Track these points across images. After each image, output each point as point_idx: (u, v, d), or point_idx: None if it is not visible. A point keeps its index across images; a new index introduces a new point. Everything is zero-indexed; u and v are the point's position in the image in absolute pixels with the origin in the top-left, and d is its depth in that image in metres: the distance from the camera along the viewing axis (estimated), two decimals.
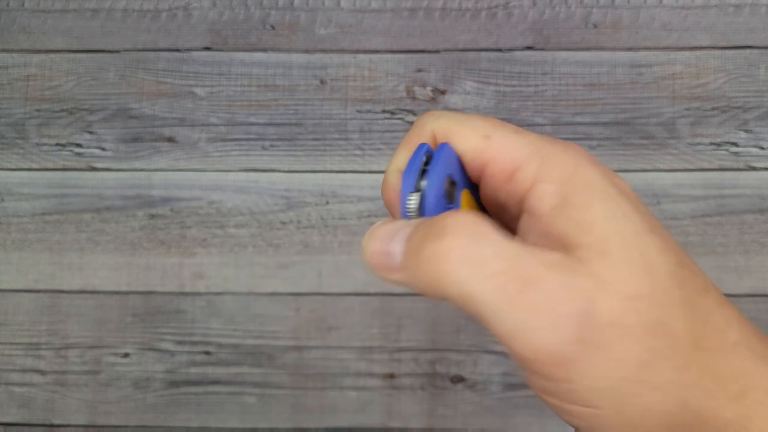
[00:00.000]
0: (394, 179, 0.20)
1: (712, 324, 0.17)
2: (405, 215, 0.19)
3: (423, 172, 0.19)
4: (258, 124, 0.60)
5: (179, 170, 0.60)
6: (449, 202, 0.19)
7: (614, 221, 0.17)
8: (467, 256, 0.16)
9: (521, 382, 0.58)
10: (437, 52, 0.60)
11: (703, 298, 0.18)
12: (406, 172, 0.19)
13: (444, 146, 0.19)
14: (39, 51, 0.62)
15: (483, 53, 0.60)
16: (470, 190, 0.21)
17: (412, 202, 0.19)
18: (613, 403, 0.17)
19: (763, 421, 0.16)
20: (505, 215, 0.21)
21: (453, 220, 0.17)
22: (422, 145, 0.19)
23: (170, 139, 0.61)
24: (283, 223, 0.60)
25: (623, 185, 0.20)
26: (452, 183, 0.19)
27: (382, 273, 0.19)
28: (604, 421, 0.17)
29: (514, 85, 0.60)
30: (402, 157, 0.20)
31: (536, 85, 0.60)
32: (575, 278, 0.16)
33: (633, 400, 0.16)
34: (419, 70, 0.60)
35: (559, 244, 0.18)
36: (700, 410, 0.17)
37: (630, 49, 0.60)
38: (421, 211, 0.19)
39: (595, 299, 0.16)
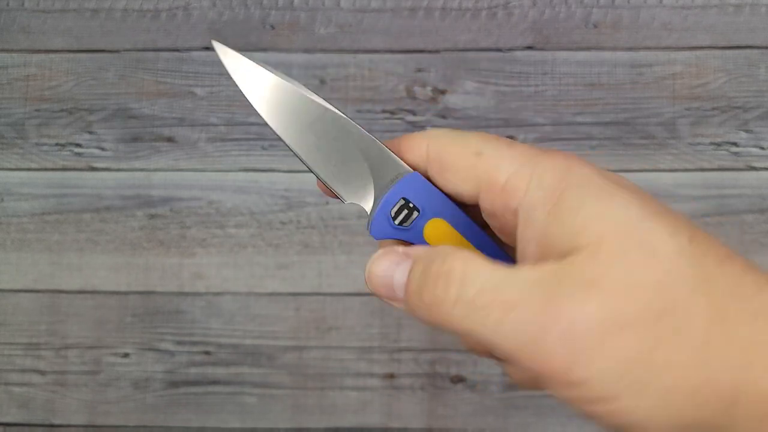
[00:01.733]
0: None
1: (738, 293, 0.17)
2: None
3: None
4: (257, 123, 0.60)
5: (179, 170, 0.60)
6: (400, 224, 0.21)
7: (608, 215, 0.17)
8: (460, 299, 0.18)
9: None
10: (437, 51, 0.60)
11: (725, 269, 0.17)
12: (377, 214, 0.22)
13: (413, 175, 0.21)
14: (38, 51, 0.62)
15: (483, 53, 0.60)
16: (451, 217, 0.21)
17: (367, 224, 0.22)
18: (631, 389, 0.16)
19: None
20: (506, 229, 0.21)
21: (447, 267, 0.18)
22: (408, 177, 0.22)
23: (170, 139, 0.61)
24: (283, 223, 0.60)
25: (618, 178, 0.20)
26: (409, 207, 0.21)
27: (387, 301, 0.20)
28: (629, 409, 0.16)
29: (514, 85, 0.60)
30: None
31: (536, 85, 0.60)
32: (560, 289, 0.17)
33: (650, 381, 0.16)
34: (419, 70, 0.60)
35: (556, 252, 0.18)
36: (734, 383, 0.16)
37: (630, 49, 0.60)
38: (369, 229, 0.21)
39: (581, 304, 0.16)
